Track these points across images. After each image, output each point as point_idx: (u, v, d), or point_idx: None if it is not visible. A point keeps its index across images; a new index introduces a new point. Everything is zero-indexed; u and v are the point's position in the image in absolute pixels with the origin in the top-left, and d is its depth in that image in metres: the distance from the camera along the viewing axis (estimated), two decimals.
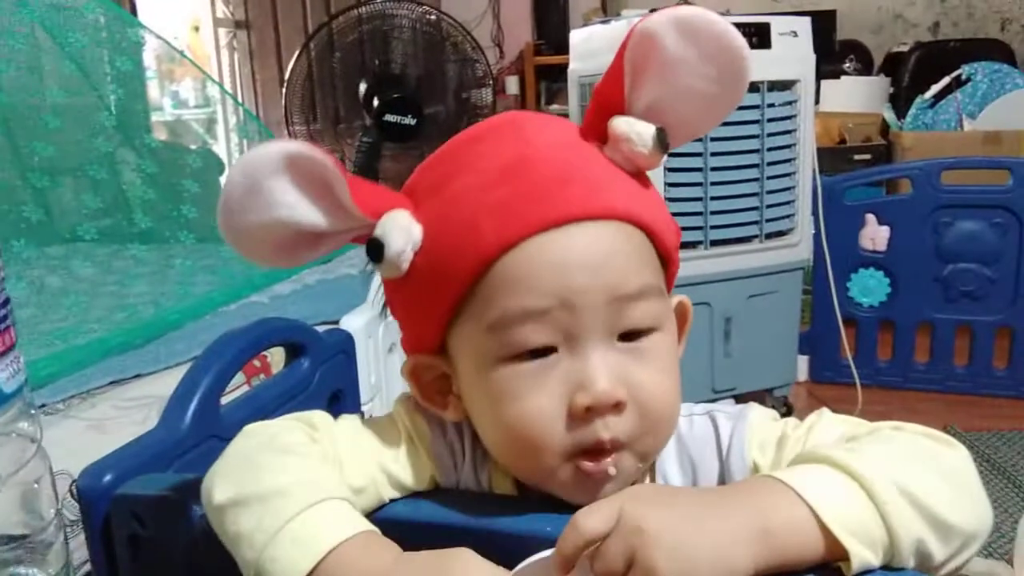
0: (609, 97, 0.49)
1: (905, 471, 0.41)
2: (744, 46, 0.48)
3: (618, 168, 0.49)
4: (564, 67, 1.74)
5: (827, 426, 0.50)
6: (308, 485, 0.45)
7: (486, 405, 0.49)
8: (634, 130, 0.48)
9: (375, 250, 0.48)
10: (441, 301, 0.49)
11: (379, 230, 0.48)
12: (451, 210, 0.48)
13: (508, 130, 0.51)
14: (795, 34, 1.56)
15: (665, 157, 0.50)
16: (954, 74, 2.55)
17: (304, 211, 0.47)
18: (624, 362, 0.47)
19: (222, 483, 0.46)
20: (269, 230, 0.48)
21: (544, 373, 0.47)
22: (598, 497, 0.46)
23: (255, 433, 0.49)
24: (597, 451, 0.46)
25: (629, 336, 0.47)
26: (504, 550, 0.43)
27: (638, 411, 0.47)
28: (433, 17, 2.39)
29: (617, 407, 0.46)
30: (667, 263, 0.52)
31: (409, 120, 2.30)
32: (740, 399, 1.57)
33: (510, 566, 0.42)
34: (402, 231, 0.48)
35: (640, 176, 0.51)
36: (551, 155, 0.48)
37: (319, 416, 0.51)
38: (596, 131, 0.50)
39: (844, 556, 0.39)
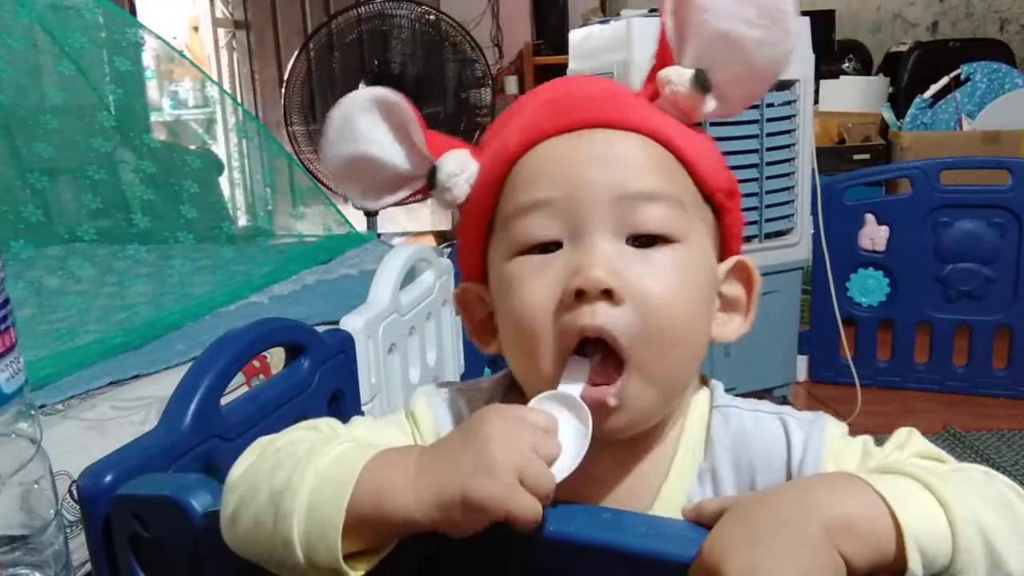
0: (662, 55, 0.52)
1: (987, 517, 0.39)
2: None
3: (665, 112, 0.51)
4: (563, 67, 1.74)
5: (917, 447, 0.48)
6: (327, 441, 0.46)
7: (501, 308, 0.51)
8: (674, 72, 0.50)
9: (431, 176, 0.53)
10: (478, 215, 0.53)
11: (438, 161, 0.53)
12: (497, 143, 0.52)
13: (559, 82, 0.55)
14: None
15: (711, 104, 0.51)
16: (953, 74, 2.55)
17: (387, 149, 0.54)
18: (629, 260, 0.47)
19: (242, 475, 0.45)
20: (361, 165, 0.55)
21: (547, 264, 0.48)
22: (605, 430, 0.46)
23: (262, 442, 0.49)
24: (586, 347, 0.46)
25: (643, 241, 0.48)
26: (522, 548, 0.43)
27: (638, 311, 0.46)
28: (432, 17, 2.39)
29: (608, 295, 0.46)
30: (719, 211, 0.52)
31: None
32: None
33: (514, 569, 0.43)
34: (456, 160, 0.53)
35: (692, 127, 0.52)
36: (590, 93, 0.52)
37: (326, 421, 0.52)
38: (649, 90, 0.52)
39: (900, 570, 0.38)
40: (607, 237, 0.47)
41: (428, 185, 0.54)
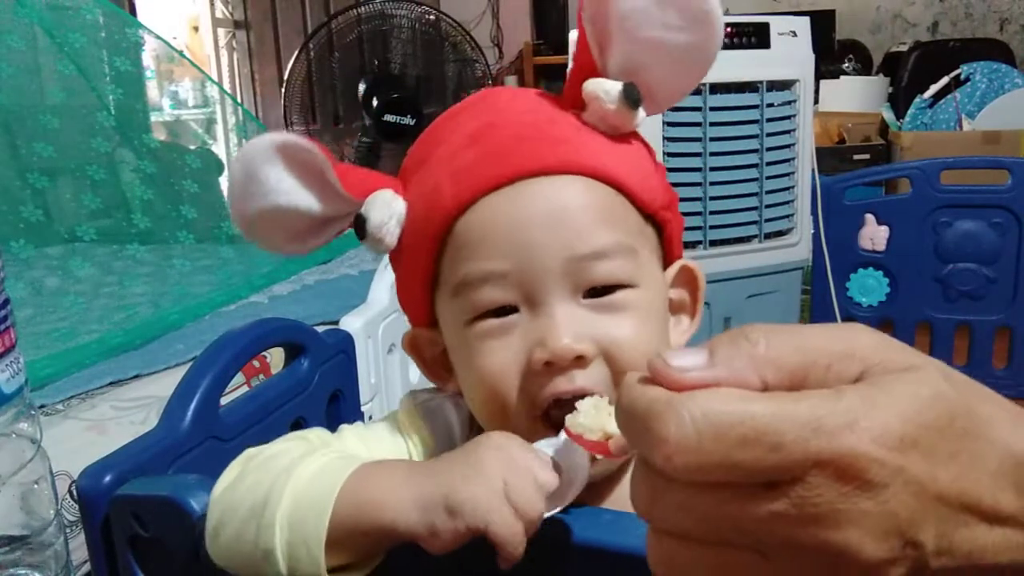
0: (582, 62, 0.49)
1: None
2: None
3: (592, 130, 0.49)
4: (563, 67, 1.74)
5: None
6: (309, 453, 0.45)
7: (463, 368, 0.50)
8: (601, 88, 0.48)
9: (359, 226, 0.50)
10: (417, 269, 0.50)
11: (363, 208, 0.50)
12: (424, 181, 0.50)
13: (481, 103, 0.52)
14: (794, 34, 1.56)
15: (642, 114, 0.49)
16: (953, 74, 2.55)
17: (299, 196, 0.50)
18: (590, 317, 0.47)
19: (224, 490, 0.45)
20: (273, 217, 0.50)
21: (507, 330, 0.47)
22: (594, 473, 0.45)
23: (245, 455, 0.48)
24: (564, 406, 0.46)
25: (597, 292, 0.47)
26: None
27: (610, 363, 0.46)
28: (432, 17, 2.39)
29: (580, 361, 0.45)
30: (660, 226, 0.51)
31: (408, 120, 2.30)
32: None
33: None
34: (383, 206, 0.49)
35: (622, 138, 0.50)
36: (516, 119, 0.49)
37: (316, 432, 0.51)
38: (573, 98, 0.50)
39: None
40: (564, 300, 0.46)
41: (357, 236, 0.50)
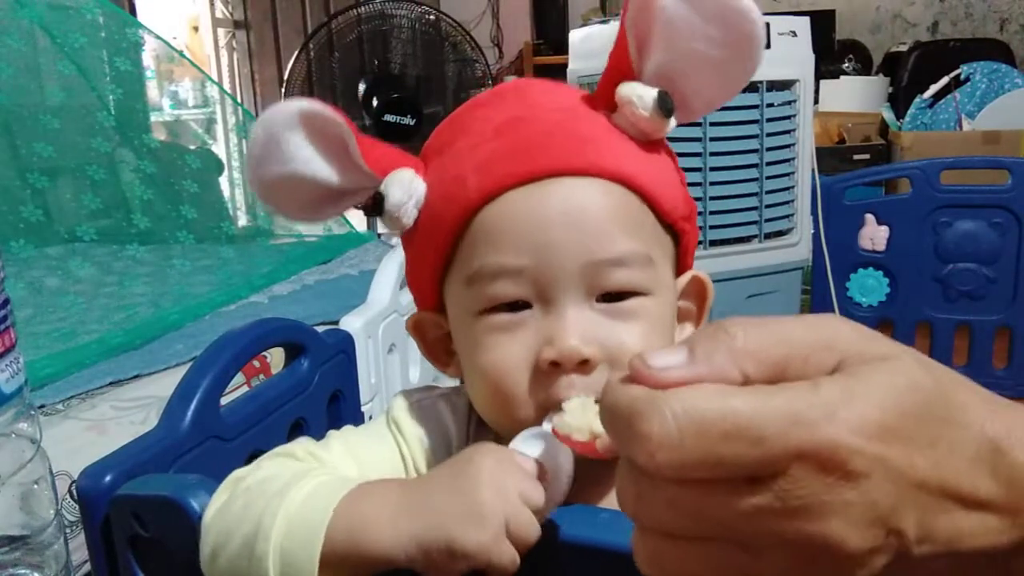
0: (618, 64, 0.49)
1: None
2: (752, 7, 0.46)
3: (621, 133, 0.49)
4: (563, 67, 1.74)
5: None
6: (299, 476, 0.45)
7: (468, 358, 0.50)
8: (635, 93, 0.48)
9: (377, 203, 0.50)
10: (432, 254, 0.50)
11: (382, 185, 0.50)
12: (447, 167, 0.50)
13: (511, 94, 0.52)
14: (794, 34, 1.56)
15: (672, 123, 0.49)
16: (953, 74, 2.55)
17: (319, 166, 0.49)
18: (601, 322, 0.47)
19: (215, 516, 0.45)
20: (289, 184, 0.50)
21: (518, 325, 0.47)
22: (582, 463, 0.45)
23: (234, 477, 0.48)
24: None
25: (611, 297, 0.47)
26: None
27: (613, 368, 0.46)
28: (432, 17, 2.39)
29: (584, 365, 0.45)
30: (677, 235, 0.52)
31: (408, 120, 2.30)
32: None
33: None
34: (402, 185, 0.49)
35: (649, 144, 0.50)
36: (545, 116, 0.49)
37: (303, 445, 0.51)
38: (605, 99, 0.50)
39: None
40: (577, 302, 0.47)
41: (375, 211, 0.50)
